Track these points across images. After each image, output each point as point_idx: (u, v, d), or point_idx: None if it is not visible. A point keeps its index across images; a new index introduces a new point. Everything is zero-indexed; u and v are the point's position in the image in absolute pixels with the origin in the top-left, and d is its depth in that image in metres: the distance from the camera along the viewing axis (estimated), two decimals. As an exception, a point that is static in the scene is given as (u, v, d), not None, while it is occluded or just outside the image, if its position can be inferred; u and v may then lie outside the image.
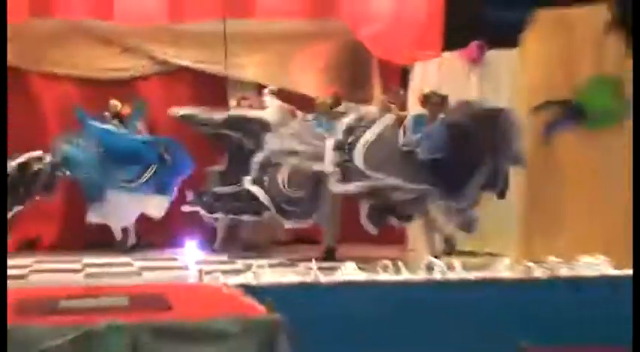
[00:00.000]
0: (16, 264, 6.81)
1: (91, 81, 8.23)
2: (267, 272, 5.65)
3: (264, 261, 6.24)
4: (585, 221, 6.58)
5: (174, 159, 7.43)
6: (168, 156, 7.44)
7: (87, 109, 7.64)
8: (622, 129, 6.69)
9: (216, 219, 7.54)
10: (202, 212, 7.44)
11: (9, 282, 5.52)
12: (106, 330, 4.14)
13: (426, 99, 6.57)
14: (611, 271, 5.57)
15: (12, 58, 7.60)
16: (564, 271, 5.59)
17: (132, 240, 7.56)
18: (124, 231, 7.56)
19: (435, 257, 5.84)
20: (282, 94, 7.67)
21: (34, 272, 6.74)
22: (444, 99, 6.56)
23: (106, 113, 7.54)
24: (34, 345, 3.80)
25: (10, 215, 7.27)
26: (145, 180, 7.38)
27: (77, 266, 7.01)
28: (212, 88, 8.24)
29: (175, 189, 7.48)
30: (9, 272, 6.23)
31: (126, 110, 7.64)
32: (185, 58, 8.44)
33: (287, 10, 8.14)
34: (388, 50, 7.96)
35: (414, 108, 7.09)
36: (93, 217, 7.42)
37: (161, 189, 7.42)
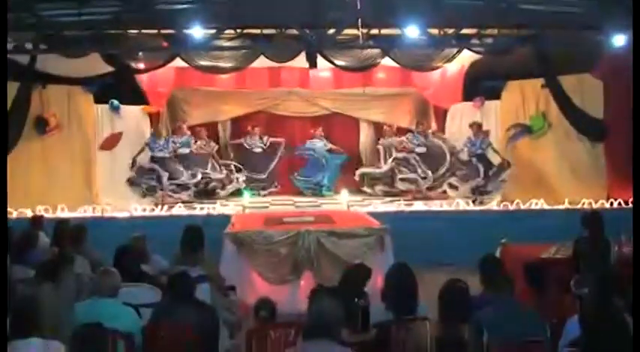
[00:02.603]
0: (264, 200, 11.35)
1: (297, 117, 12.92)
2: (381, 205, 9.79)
3: (378, 200, 10.62)
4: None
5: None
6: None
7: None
8: (547, 136, 10.79)
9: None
10: None
11: (259, 211, 8.97)
12: (304, 232, 6.99)
13: (471, 125, 10.92)
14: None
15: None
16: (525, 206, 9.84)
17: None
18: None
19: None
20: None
21: (272, 205, 11.02)
22: (479, 125, 10.82)
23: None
24: (271, 238, 6.84)
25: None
26: None
27: (291, 202, 11.36)
28: (352, 121, 13.03)
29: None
30: (259, 204, 10.17)
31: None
32: (337, 108, 12.66)
33: (389, 81, 11.89)
34: (438, 100, 12.08)
35: (449, 130, 11.52)
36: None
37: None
